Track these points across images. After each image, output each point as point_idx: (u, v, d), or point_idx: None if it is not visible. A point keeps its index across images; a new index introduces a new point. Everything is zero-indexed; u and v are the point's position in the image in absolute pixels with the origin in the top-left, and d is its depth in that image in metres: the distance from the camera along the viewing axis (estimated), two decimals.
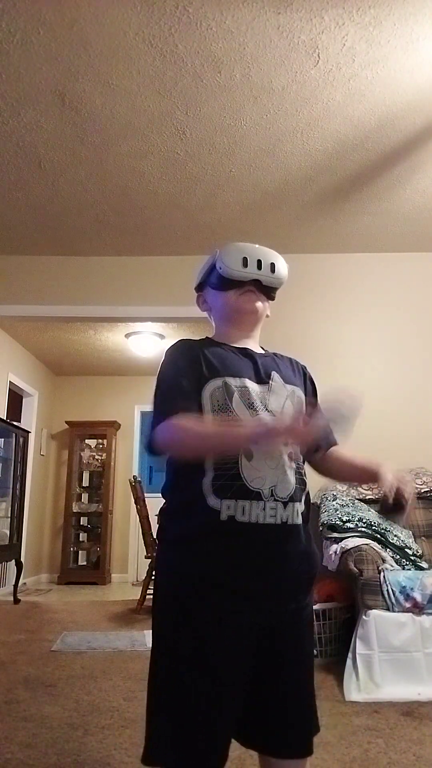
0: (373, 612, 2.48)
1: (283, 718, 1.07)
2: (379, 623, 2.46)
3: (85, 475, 7.09)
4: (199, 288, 1.31)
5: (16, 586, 4.80)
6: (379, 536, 2.83)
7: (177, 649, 1.03)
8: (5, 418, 5.13)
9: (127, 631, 3.61)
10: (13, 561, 4.91)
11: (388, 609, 2.49)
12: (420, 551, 2.93)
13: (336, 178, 3.20)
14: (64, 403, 7.08)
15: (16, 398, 6.09)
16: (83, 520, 6.90)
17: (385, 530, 2.88)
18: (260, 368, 1.18)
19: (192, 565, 1.05)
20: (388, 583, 2.51)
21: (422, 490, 3.28)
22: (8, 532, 4.85)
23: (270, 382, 1.16)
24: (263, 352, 1.26)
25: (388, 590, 2.50)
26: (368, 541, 2.72)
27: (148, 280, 4.05)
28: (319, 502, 3.09)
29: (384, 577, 2.53)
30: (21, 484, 5.14)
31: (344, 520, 2.87)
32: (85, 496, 7.05)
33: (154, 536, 4.93)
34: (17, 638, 3.38)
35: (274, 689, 1.07)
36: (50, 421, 6.96)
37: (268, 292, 1.23)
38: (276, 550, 1.05)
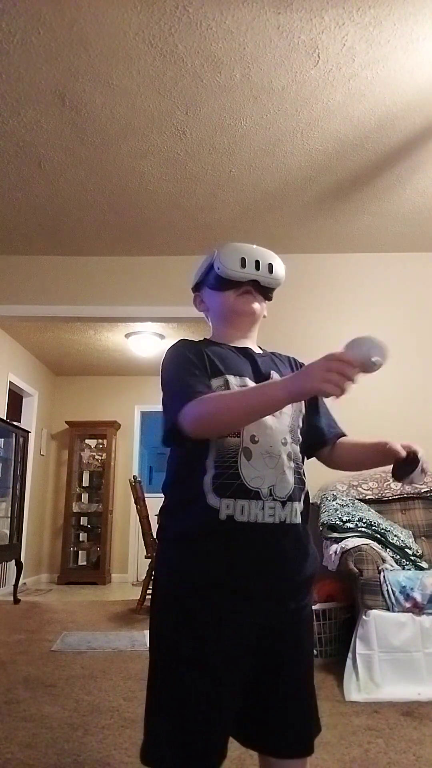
0: (373, 612, 2.48)
1: (283, 718, 1.07)
2: (379, 623, 2.46)
3: (85, 475, 7.09)
4: (196, 288, 1.31)
5: (16, 586, 4.80)
6: (379, 536, 2.83)
7: (177, 648, 1.03)
8: (5, 418, 5.13)
9: (127, 631, 3.61)
10: (13, 561, 4.91)
11: (388, 609, 2.49)
12: (420, 551, 2.93)
13: (336, 178, 3.20)
14: (64, 403, 7.08)
15: (16, 398, 6.09)
16: (83, 520, 6.90)
17: (385, 530, 2.88)
18: (259, 367, 1.18)
19: (191, 565, 1.05)
20: (388, 583, 2.51)
21: (422, 490, 3.28)
22: (8, 532, 4.85)
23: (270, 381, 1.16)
24: (261, 351, 1.26)
25: (388, 590, 2.50)
26: (368, 541, 2.72)
27: (148, 280, 4.05)
28: (319, 502, 3.09)
29: (384, 577, 2.53)
30: (21, 484, 5.14)
31: (344, 520, 2.87)
32: (85, 496, 7.06)
33: (154, 536, 4.93)
34: (17, 638, 3.38)
35: (274, 689, 1.07)
36: (50, 421, 6.96)
37: (265, 292, 1.23)
38: (275, 549, 1.05)
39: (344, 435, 1.25)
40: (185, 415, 1.01)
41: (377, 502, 3.24)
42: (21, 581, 5.03)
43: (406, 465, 1.02)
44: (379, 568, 2.57)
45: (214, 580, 1.03)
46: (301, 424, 1.17)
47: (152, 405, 6.63)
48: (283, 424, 1.11)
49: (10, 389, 5.68)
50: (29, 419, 6.31)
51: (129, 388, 7.06)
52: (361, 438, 1.20)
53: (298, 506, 1.09)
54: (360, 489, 3.29)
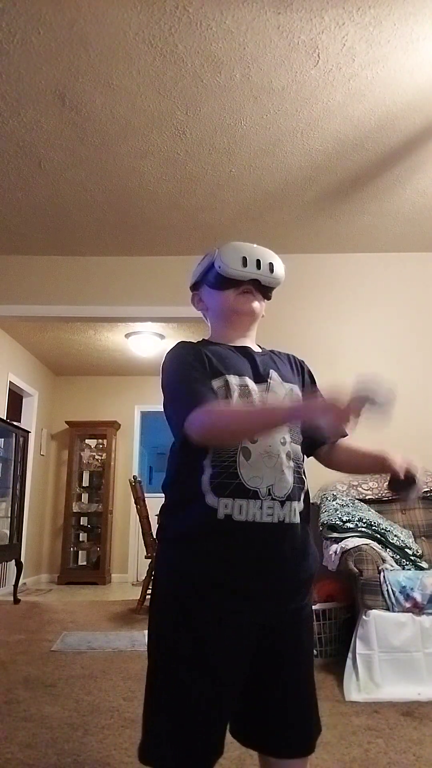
0: (373, 612, 2.48)
1: (282, 718, 1.07)
2: (379, 623, 2.46)
3: (85, 475, 7.09)
4: (195, 287, 1.30)
5: (16, 586, 4.80)
6: (379, 536, 2.83)
7: (176, 648, 1.03)
8: (5, 418, 5.13)
9: (127, 631, 3.61)
10: (13, 561, 4.91)
11: (388, 609, 2.49)
12: (420, 551, 2.93)
13: (336, 178, 3.20)
14: (64, 403, 7.08)
15: (16, 398, 6.09)
16: (83, 520, 6.91)
17: (385, 530, 2.88)
18: (259, 367, 1.18)
19: (191, 564, 1.05)
20: (388, 583, 2.51)
21: (422, 490, 3.28)
22: (8, 532, 4.85)
23: (269, 380, 1.16)
24: (261, 350, 1.26)
25: (388, 590, 2.50)
26: (368, 541, 2.72)
27: (148, 280, 4.05)
28: (319, 502, 3.09)
29: (384, 577, 2.53)
30: (21, 484, 5.14)
31: (344, 520, 2.87)
32: (85, 496, 7.06)
33: (154, 536, 4.93)
34: (17, 638, 3.38)
35: (274, 689, 1.07)
36: (50, 421, 6.95)
37: (265, 291, 1.24)
38: (274, 549, 1.05)
39: (345, 435, 1.24)
40: (191, 423, 1.02)
41: (377, 502, 3.24)
42: (21, 581, 5.03)
43: (402, 482, 1.02)
44: (379, 568, 2.57)
45: (214, 579, 1.03)
46: (300, 423, 1.17)
47: (152, 405, 6.63)
48: None
49: (10, 389, 5.68)
50: (29, 419, 6.31)
51: (129, 388, 7.06)
52: (361, 445, 1.19)
53: (297, 506, 1.09)
54: (360, 489, 3.29)
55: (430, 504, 3.29)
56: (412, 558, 2.81)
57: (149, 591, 4.32)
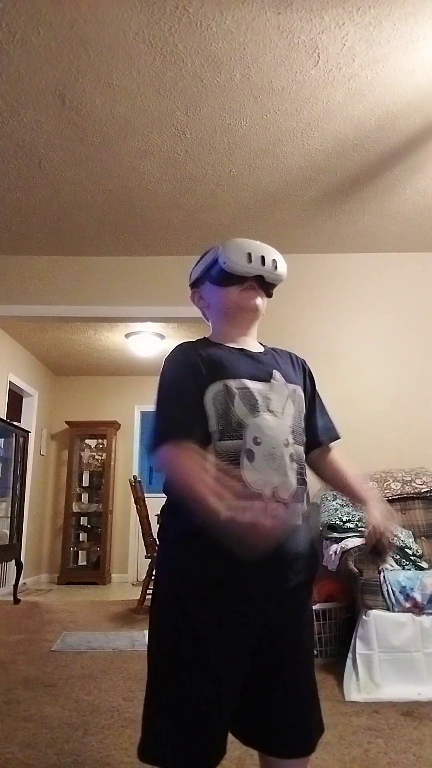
0: (373, 612, 2.48)
1: (282, 718, 1.07)
2: (379, 623, 2.46)
3: (85, 475, 7.10)
4: (195, 284, 1.29)
5: (16, 586, 4.80)
6: None
7: (176, 648, 1.03)
8: (5, 418, 5.14)
9: (127, 631, 3.61)
10: (13, 561, 4.91)
11: (388, 609, 2.49)
12: (420, 551, 2.92)
13: (336, 178, 3.20)
14: (64, 403, 7.08)
15: (16, 398, 6.09)
16: (83, 520, 6.90)
17: None
18: (261, 367, 1.17)
19: (192, 565, 1.05)
20: (388, 583, 2.51)
21: (422, 490, 3.28)
22: (8, 532, 4.85)
23: (272, 381, 1.15)
24: (263, 349, 1.25)
25: (388, 590, 2.50)
26: None
27: (148, 280, 4.05)
28: (319, 502, 3.09)
29: (384, 577, 2.53)
30: (21, 484, 5.14)
31: (344, 520, 2.87)
32: (85, 496, 7.06)
33: (154, 536, 4.94)
34: (17, 638, 3.38)
35: (274, 689, 1.07)
36: (50, 421, 6.95)
37: (267, 288, 1.23)
38: (277, 550, 1.05)
39: (339, 438, 1.27)
40: (159, 457, 1.06)
41: None
42: (21, 581, 5.03)
43: (374, 550, 1.09)
44: (379, 568, 2.57)
45: (215, 579, 1.03)
46: (303, 425, 1.17)
47: (152, 405, 6.62)
48: (284, 424, 1.11)
49: (10, 389, 5.68)
50: (29, 419, 6.31)
51: (129, 388, 7.06)
52: (349, 470, 1.22)
53: (301, 507, 1.09)
54: None
55: (430, 504, 3.29)
56: (412, 558, 2.81)
57: (149, 591, 4.34)
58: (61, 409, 7.03)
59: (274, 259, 1.20)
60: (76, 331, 5.56)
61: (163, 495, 1.16)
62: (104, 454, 7.00)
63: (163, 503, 1.14)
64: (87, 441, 7.11)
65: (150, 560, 4.49)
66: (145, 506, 4.68)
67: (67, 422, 6.94)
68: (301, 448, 1.14)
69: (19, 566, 4.88)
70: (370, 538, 1.08)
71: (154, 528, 4.48)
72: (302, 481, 1.10)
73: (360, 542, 2.68)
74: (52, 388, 7.08)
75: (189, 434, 1.05)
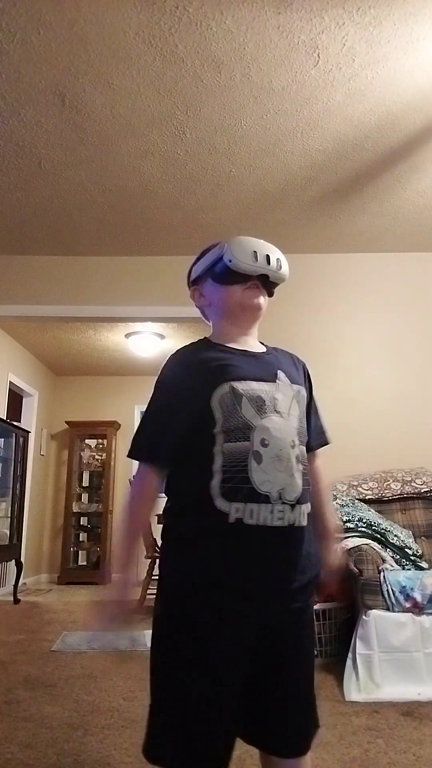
0: (373, 612, 2.48)
1: (282, 718, 1.07)
2: (379, 623, 2.46)
3: (85, 475, 7.10)
4: (195, 281, 1.28)
5: (16, 586, 4.80)
6: (379, 536, 2.83)
7: (177, 648, 1.03)
8: (5, 418, 5.14)
9: (127, 631, 3.61)
10: (13, 561, 4.91)
11: (388, 609, 2.49)
12: (420, 551, 2.92)
13: (336, 178, 3.20)
14: (64, 403, 7.08)
15: (16, 398, 6.09)
16: (83, 520, 6.90)
17: (385, 530, 2.88)
18: (266, 367, 1.16)
19: (198, 567, 1.04)
20: (388, 583, 2.51)
21: (422, 490, 3.28)
22: (8, 532, 4.85)
23: (277, 381, 1.14)
24: (265, 349, 1.25)
25: (388, 590, 2.50)
26: (368, 541, 2.72)
27: (148, 280, 4.05)
28: None
29: (384, 577, 2.53)
30: (21, 484, 5.14)
31: (344, 520, 2.87)
32: (85, 496, 7.06)
33: (154, 536, 4.94)
34: (17, 638, 3.38)
35: (274, 689, 1.07)
36: (50, 421, 6.95)
37: (269, 288, 1.23)
38: (283, 552, 1.05)
39: (328, 443, 1.28)
40: (134, 475, 1.17)
41: (377, 502, 3.24)
42: (21, 581, 5.03)
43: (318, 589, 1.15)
44: (379, 568, 2.57)
45: (221, 582, 1.03)
46: (305, 425, 1.17)
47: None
48: (291, 425, 1.11)
49: (10, 389, 5.68)
50: (29, 419, 6.31)
51: (129, 388, 7.06)
52: (324, 497, 1.26)
53: (306, 508, 1.08)
54: (360, 489, 3.29)
55: (430, 504, 3.29)
56: (412, 558, 2.81)
57: (149, 591, 4.34)
58: (61, 409, 7.03)
59: (278, 258, 1.20)
60: (76, 331, 5.56)
61: (164, 495, 1.16)
62: (104, 454, 7.00)
63: (165, 504, 1.14)
64: (87, 441, 7.11)
65: (150, 560, 4.49)
66: None
67: (67, 422, 6.94)
68: (304, 448, 1.14)
69: (19, 566, 4.88)
70: (323, 579, 1.15)
71: (155, 528, 4.48)
72: (307, 482, 1.10)
73: (360, 542, 2.68)
74: (52, 388, 7.08)
75: (158, 458, 1.13)
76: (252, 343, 1.24)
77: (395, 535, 2.88)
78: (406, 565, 2.75)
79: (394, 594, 2.49)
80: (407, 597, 2.48)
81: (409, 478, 3.33)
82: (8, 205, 3.46)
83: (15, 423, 5.41)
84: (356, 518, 2.89)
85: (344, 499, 3.09)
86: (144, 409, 1.17)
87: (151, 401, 1.15)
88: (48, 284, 4.05)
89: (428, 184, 3.23)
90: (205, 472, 1.04)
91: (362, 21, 2.19)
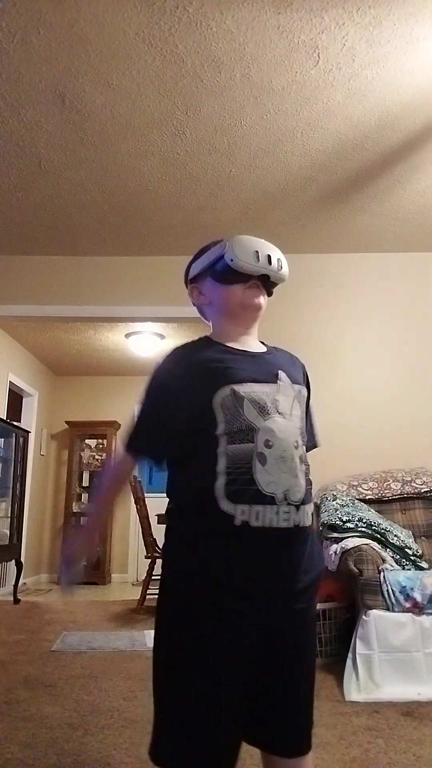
0: (373, 612, 2.48)
1: (283, 718, 1.07)
2: (379, 623, 2.46)
3: (85, 475, 7.09)
4: (194, 279, 1.27)
5: (16, 586, 4.80)
6: (379, 536, 2.83)
7: (178, 649, 1.03)
8: (5, 418, 5.13)
9: (127, 631, 3.61)
10: (13, 561, 4.90)
11: (388, 609, 2.49)
12: (420, 551, 2.93)
13: (336, 178, 3.20)
14: (64, 403, 7.08)
15: (16, 398, 6.09)
16: (83, 521, 6.89)
17: (385, 530, 2.88)
18: (267, 368, 1.16)
19: (203, 568, 1.04)
20: (388, 583, 2.51)
21: (422, 490, 3.28)
22: (8, 532, 4.85)
23: (278, 382, 1.14)
24: (266, 349, 1.24)
25: (388, 590, 2.50)
26: (368, 541, 2.72)
27: (148, 280, 4.05)
28: (319, 502, 3.09)
29: (384, 577, 2.53)
30: (21, 484, 5.14)
31: (344, 520, 2.87)
32: (85, 496, 7.04)
33: (154, 536, 4.93)
34: (17, 638, 3.38)
35: (275, 689, 1.07)
36: (50, 421, 6.95)
37: (268, 288, 1.23)
38: (288, 553, 1.04)
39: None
40: (115, 456, 1.27)
41: (377, 502, 3.24)
42: (21, 581, 5.03)
43: None
44: (379, 568, 2.57)
45: (225, 583, 1.02)
46: (305, 425, 1.17)
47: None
48: (293, 426, 1.10)
49: (10, 389, 5.68)
50: (29, 419, 6.31)
51: (129, 388, 7.04)
52: None
53: (309, 509, 1.08)
54: (360, 489, 3.29)
55: (430, 504, 3.29)
56: (412, 558, 2.81)
57: (149, 591, 4.34)
58: (61, 409, 7.03)
59: (279, 258, 1.20)
60: (76, 331, 5.56)
61: (164, 495, 1.15)
62: (104, 454, 7.00)
63: (169, 506, 1.13)
64: (87, 441, 7.11)
65: (150, 560, 4.49)
66: (145, 506, 4.68)
67: (67, 422, 6.93)
68: (305, 448, 1.14)
69: (19, 566, 4.88)
70: None
71: (154, 528, 4.48)
72: (309, 482, 1.11)
73: (360, 542, 2.68)
74: (52, 388, 7.08)
75: (141, 453, 1.18)
76: (252, 342, 1.24)
77: (395, 535, 2.88)
78: (406, 565, 2.75)
79: (394, 594, 2.49)
80: (407, 597, 2.48)
81: (409, 478, 3.33)
82: (8, 205, 3.46)
83: (15, 423, 5.41)
84: (356, 518, 2.89)
85: (344, 499, 3.09)
86: (138, 403, 1.16)
87: (147, 395, 1.15)
88: (48, 284, 4.05)
89: (428, 184, 3.23)
90: (208, 473, 1.04)
91: (362, 21, 2.19)
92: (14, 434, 5.09)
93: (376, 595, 2.51)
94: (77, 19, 2.19)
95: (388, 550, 2.78)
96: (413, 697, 2.29)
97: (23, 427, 5.48)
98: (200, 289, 1.26)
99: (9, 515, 4.94)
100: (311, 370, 1.31)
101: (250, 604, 1.03)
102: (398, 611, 2.48)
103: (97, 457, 7.08)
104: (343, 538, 2.78)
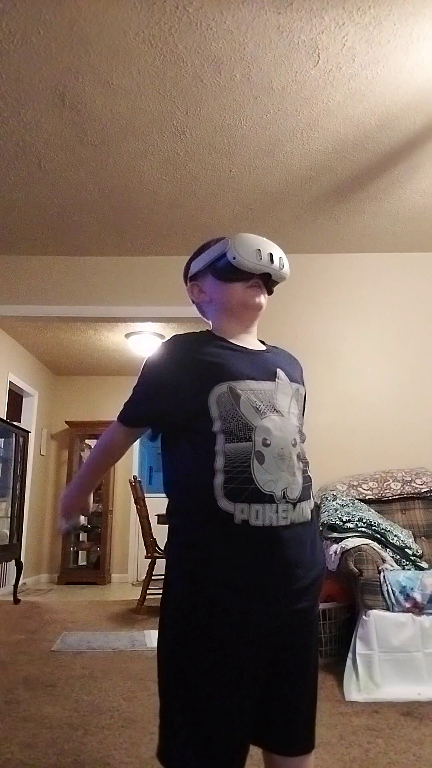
0: (373, 612, 2.48)
1: (290, 717, 1.07)
2: (379, 623, 2.46)
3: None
4: (194, 277, 1.27)
5: (16, 586, 4.80)
6: (379, 536, 2.83)
7: (190, 651, 1.02)
8: (5, 418, 5.13)
9: (127, 631, 3.61)
10: (13, 561, 4.90)
11: (388, 609, 2.49)
12: (420, 551, 2.93)
13: (336, 178, 3.20)
14: (64, 403, 7.08)
15: (16, 398, 6.09)
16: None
17: (385, 530, 2.88)
18: (265, 366, 1.16)
19: (206, 569, 1.04)
20: (388, 583, 2.51)
21: (422, 490, 3.28)
22: (8, 532, 4.85)
23: (276, 380, 1.14)
24: (264, 347, 1.24)
25: (388, 590, 2.50)
26: (368, 541, 2.72)
27: (148, 280, 4.05)
28: (319, 502, 3.09)
29: (384, 577, 2.53)
30: (21, 484, 5.14)
31: (344, 520, 2.87)
32: None
33: (154, 536, 4.93)
34: (17, 638, 3.38)
35: (280, 688, 1.07)
36: (50, 421, 6.95)
37: (269, 286, 1.23)
38: (289, 551, 1.04)
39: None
40: (111, 427, 1.26)
41: (377, 502, 3.24)
42: (21, 581, 5.03)
43: None
44: (379, 568, 2.57)
45: (230, 583, 1.02)
46: (303, 423, 1.17)
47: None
48: (291, 424, 1.10)
49: (10, 389, 5.68)
50: (29, 419, 6.31)
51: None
52: None
53: (307, 506, 1.08)
54: (360, 489, 3.29)
55: (430, 504, 3.29)
56: (412, 558, 2.81)
57: (149, 591, 4.34)
58: (61, 409, 7.03)
59: (280, 257, 1.20)
60: (76, 331, 5.56)
61: (164, 495, 1.15)
62: None
63: (169, 505, 1.13)
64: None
65: (150, 560, 4.49)
66: (145, 506, 4.68)
67: (67, 422, 6.93)
68: (303, 445, 1.13)
69: (19, 566, 4.88)
70: None
71: (154, 528, 4.48)
72: (307, 479, 1.10)
73: (360, 542, 2.68)
74: (52, 388, 7.07)
75: (134, 423, 1.22)
76: (252, 340, 1.23)
77: (395, 535, 2.88)
78: (406, 565, 2.75)
79: (394, 594, 2.49)
80: (407, 597, 2.48)
81: (409, 478, 3.33)
82: (8, 205, 3.46)
83: (15, 423, 5.41)
84: (356, 518, 2.89)
85: (344, 499, 3.09)
86: (137, 380, 1.19)
87: (144, 376, 1.17)
88: (48, 284, 4.06)
89: (428, 184, 3.23)
90: (206, 470, 1.04)
91: (362, 21, 2.19)
92: (14, 434, 5.09)
93: (376, 595, 2.51)
94: (77, 19, 2.19)
95: (388, 550, 2.78)
96: (413, 697, 2.29)
97: (23, 427, 5.48)
98: (201, 286, 1.26)
99: (9, 515, 4.94)
100: (311, 371, 1.31)
101: (254, 603, 1.03)
102: (398, 611, 2.48)
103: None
104: (343, 538, 2.78)
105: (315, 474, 1.17)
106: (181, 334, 1.19)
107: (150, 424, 1.21)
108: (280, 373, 1.15)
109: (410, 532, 3.06)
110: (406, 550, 2.84)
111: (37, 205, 3.45)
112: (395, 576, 2.54)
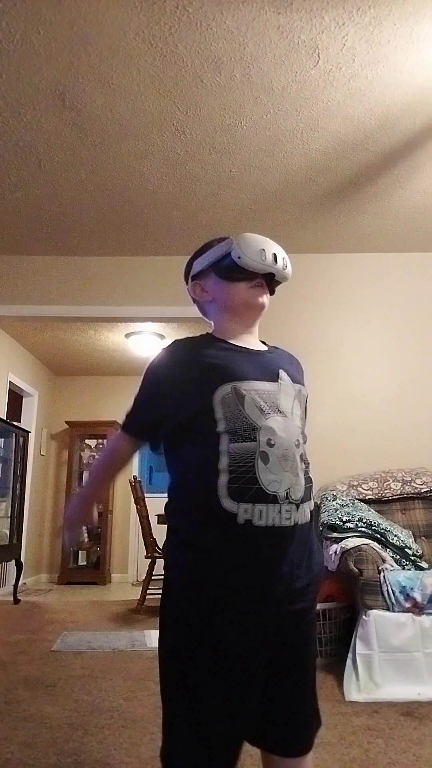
0: (373, 612, 2.48)
1: (290, 717, 1.07)
2: (379, 623, 2.46)
3: (85, 475, 7.08)
4: (197, 276, 1.26)
5: (16, 586, 4.80)
6: (379, 536, 2.83)
7: (190, 651, 1.02)
8: (5, 418, 5.13)
9: (127, 631, 3.61)
10: (13, 561, 4.90)
11: (388, 609, 2.49)
12: (420, 551, 2.93)
13: (336, 178, 3.20)
14: (64, 403, 7.08)
15: (16, 398, 6.09)
16: (85, 536, 6.88)
17: (385, 530, 2.88)
18: (268, 367, 1.16)
19: (207, 569, 1.04)
20: (388, 583, 2.51)
21: (422, 490, 3.28)
22: (8, 532, 4.85)
23: (279, 381, 1.14)
24: (266, 348, 1.24)
25: (388, 590, 2.50)
26: (368, 541, 2.72)
27: (148, 280, 4.05)
28: (319, 502, 3.08)
29: (384, 577, 2.53)
30: (21, 484, 5.14)
31: (344, 520, 2.87)
32: None
33: (154, 536, 4.92)
34: (17, 638, 3.38)
35: (279, 688, 1.07)
36: (50, 421, 6.95)
37: (272, 286, 1.23)
38: (290, 551, 1.04)
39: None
40: (113, 436, 1.26)
41: (377, 502, 3.24)
42: (21, 581, 5.02)
43: None
44: (379, 568, 2.57)
45: (230, 583, 1.02)
46: (305, 424, 1.17)
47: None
48: (294, 425, 1.11)
49: (10, 389, 5.68)
50: (29, 419, 6.31)
51: (129, 388, 6.95)
52: None
53: (309, 506, 1.09)
54: (360, 489, 3.29)
55: (430, 504, 3.29)
56: (412, 558, 2.81)
57: (149, 591, 4.34)
58: (61, 409, 7.03)
59: (283, 257, 1.20)
60: (76, 331, 5.56)
61: (165, 495, 1.15)
62: None
63: (170, 505, 1.13)
64: (87, 441, 7.11)
65: (150, 560, 4.49)
66: (145, 506, 4.68)
67: (67, 422, 6.93)
68: (305, 446, 1.14)
69: (19, 566, 4.88)
70: None
71: (154, 528, 4.48)
72: (309, 480, 1.11)
73: (360, 542, 2.68)
74: (52, 388, 7.08)
75: (138, 435, 1.22)
76: (253, 341, 1.24)
77: (395, 535, 2.88)
78: (406, 565, 2.75)
79: (394, 594, 2.49)
80: (407, 597, 2.48)
81: (409, 478, 3.33)
82: (8, 205, 3.46)
83: (15, 423, 5.41)
84: (356, 518, 2.89)
85: (344, 499, 3.09)
86: (139, 387, 1.20)
87: (146, 382, 1.17)
88: (48, 284, 4.05)
89: (428, 184, 3.23)
90: (210, 470, 1.04)
91: (362, 21, 2.19)
92: (14, 434, 5.09)
93: (376, 595, 2.51)
94: (77, 19, 2.19)
95: (388, 550, 2.78)
96: (413, 697, 2.29)
97: (23, 427, 5.48)
98: (203, 285, 1.26)
99: (9, 515, 4.94)
100: (311, 371, 1.31)
101: (255, 603, 1.03)
102: (398, 611, 2.48)
103: (97, 457, 7.08)
104: (343, 538, 2.78)
105: (315, 474, 1.17)
106: (181, 339, 1.19)
107: (153, 430, 1.18)
108: (282, 373, 1.15)
109: (410, 532, 3.06)
110: (406, 550, 2.84)
111: (37, 205, 3.45)
112: (395, 576, 2.54)
